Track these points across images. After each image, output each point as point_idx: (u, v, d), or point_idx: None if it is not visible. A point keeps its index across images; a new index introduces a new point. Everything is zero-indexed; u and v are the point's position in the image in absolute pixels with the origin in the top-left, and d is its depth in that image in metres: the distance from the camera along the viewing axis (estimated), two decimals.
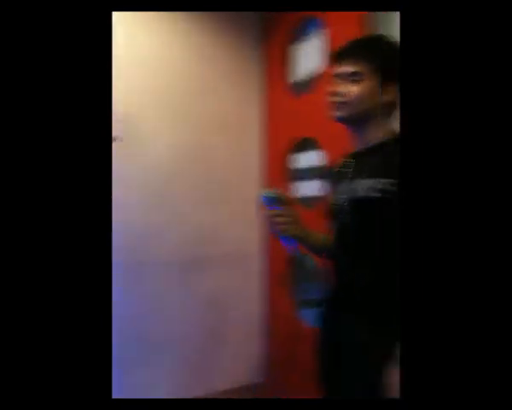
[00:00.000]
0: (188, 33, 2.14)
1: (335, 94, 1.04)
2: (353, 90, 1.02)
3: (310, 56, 2.00)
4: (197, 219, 2.16)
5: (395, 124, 1.08)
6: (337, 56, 1.06)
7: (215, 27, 2.21)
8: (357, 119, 1.05)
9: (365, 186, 0.99)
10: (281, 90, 2.17)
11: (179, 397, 2.05)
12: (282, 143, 2.16)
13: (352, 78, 1.02)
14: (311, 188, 1.95)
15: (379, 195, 0.96)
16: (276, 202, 1.07)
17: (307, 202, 1.94)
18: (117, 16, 1.82)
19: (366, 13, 1.60)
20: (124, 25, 1.92)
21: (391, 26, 1.52)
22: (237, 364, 2.27)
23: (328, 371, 1.09)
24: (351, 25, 1.64)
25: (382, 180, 0.96)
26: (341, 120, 1.06)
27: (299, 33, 2.10)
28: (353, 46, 1.05)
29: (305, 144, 2.05)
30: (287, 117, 2.13)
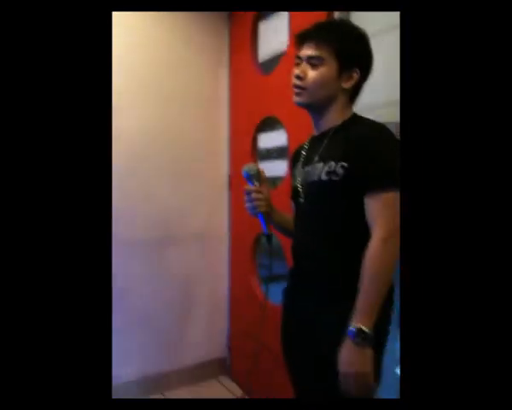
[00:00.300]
0: (156, 13, 2.06)
1: (295, 77, 1.03)
2: (312, 74, 1.01)
3: (277, 35, 1.98)
4: (165, 198, 2.15)
5: (354, 109, 1.09)
6: (299, 39, 1.05)
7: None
8: (315, 105, 1.05)
9: (319, 169, 1.01)
10: (248, 69, 2.15)
11: (149, 374, 2.08)
12: (249, 122, 2.15)
13: (312, 61, 1.01)
14: (274, 168, 1.97)
15: (329, 178, 0.98)
16: (254, 179, 1.10)
17: (271, 181, 1.96)
18: None
19: None
20: None
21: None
22: (205, 339, 2.32)
23: (290, 347, 1.12)
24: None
25: (333, 163, 0.97)
26: (301, 105, 1.06)
27: (265, 12, 2.07)
28: (314, 30, 1.04)
29: (269, 124, 2.06)
30: (253, 96, 2.12)
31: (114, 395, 1.85)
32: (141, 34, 2.04)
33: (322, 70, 1.00)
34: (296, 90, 1.03)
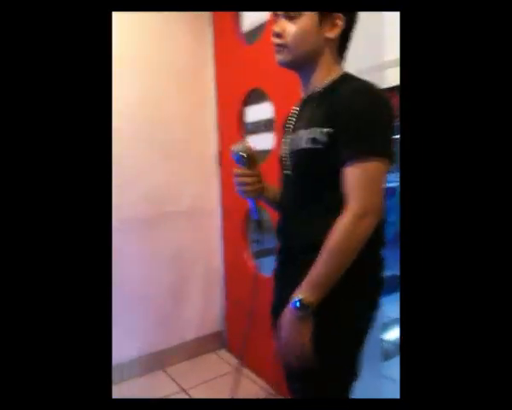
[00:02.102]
0: None
1: (274, 35, 0.94)
2: (291, 28, 0.91)
3: None
4: (155, 176, 2.13)
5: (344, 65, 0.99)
6: None
7: None
8: (300, 62, 0.95)
9: (302, 137, 0.92)
10: (232, 40, 2.10)
11: (149, 352, 2.12)
12: (235, 95, 2.12)
13: (289, 14, 0.91)
14: (262, 141, 1.95)
15: (312, 145, 0.88)
16: (244, 160, 1.01)
17: (260, 156, 1.94)
18: None
19: None
20: None
21: None
22: (201, 314, 2.35)
23: (273, 322, 1.06)
24: None
25: (317, 129, 0.88)
26: (284, 64, 0.96)
27: None
28: None
29: (256, 96, 2.02)
30: (238, 68, 2.08)
31: (117, 375, 1.93)
32: (120, 14, 1.97)
33: (301, 21, 0.90)
34: (277, 49, 0.94)
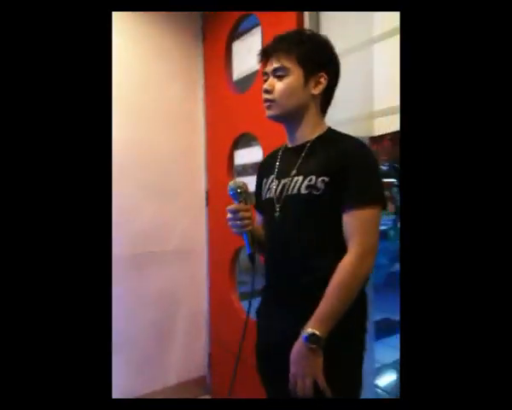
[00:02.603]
0: (132, 30, 2.09)
1: (264, 91, 1.03)
2: (279, 85, 1.00)
3: (250, 54, 2.03)
4: (144, 215, 2.14)
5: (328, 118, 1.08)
6: (262, 56, 1.06)
7: (158, 25, 2.18)
8: (287, 116, 1.04)
9: (299, 183, 0.99)
10: (222, 88, 2.18)
11: (131, 395, 2.03)
12: (225, 139, 2.17)
13: (277, 74, 1.00)
14: (250, 183, 1.98)
15: (310, 192, 0.97)
16: (241, 196, 1.04)
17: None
18: None
19: (303, 12, 1.64)
20: None
21: (331, 24, 1.57)
22: (185, 358, 2.29)
23: (263, 367, 1.10)
24: (287, 23, 1.68)
25: (315, 177, 0.97)
26: (273, 118, 1.05)
27: (239, 31, 2.12)
28: (275, 43, 1.04)
29: (245, 140, 2.08)
30: (229, 114, 2.15)
31: None
32: (115, 54, 2.05)
33: (288, 80, 1.00)
34: (266, 104, 1.03)
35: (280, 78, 1.00)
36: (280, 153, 1.12)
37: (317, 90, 1.02)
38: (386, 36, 1.39)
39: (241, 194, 1.04)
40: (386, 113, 1.39)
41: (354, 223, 0.93)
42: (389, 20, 1.35)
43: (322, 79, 1.02)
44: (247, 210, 1.04)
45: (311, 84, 1.01)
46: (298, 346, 0.92)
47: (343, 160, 0.96)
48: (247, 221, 1.03)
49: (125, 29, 2.08)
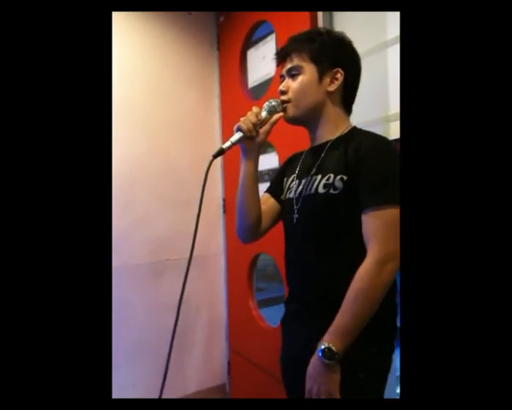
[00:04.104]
0: (148, 41, 2.13)
1: (279, 92, 1.01)
2: (293, 85, 0.99)
3: (264, 61, 2.04)
4: (161, 224, 2.16)
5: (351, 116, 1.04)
6: (278, 59, 1.05)
7: (174, 35, 2.21)
8: (305, 117, 1.01)
9: (317, 182, 0.95)
10: (238, 96, 2.20)
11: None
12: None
13: (292, 73, 0.99)
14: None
15: (327, 190, 0.92)
16: (266, 108, 1.02)
17: None
18: None
19: (317, 13, 1.63)
20: None
21: (345, 29, 1.56)
22: (204, 366, 2.29)
23: (285, 378, 1.05)
24: (301, 29, 1.68)
25: (333, 175, 0.92)
26: (291, 120, 1.02)
27: (253, 40, 2.13)
28: (288, 44, 1.02)
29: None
30: None
31: None
32: (131, 67, 2.09)
33: (302, 78, 0.98)
34: (283, 106, 1.01)
35: (294, 77, 0.99)
36: (304, 154, 1.10)
37: (332, 87, 0.98)
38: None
39: (274, 110, 1.01)
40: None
41: (373, 224, 0.85)
42: None
43: (339, 75, 0.98)
44: (266, 123, 1.02)
45: (327, 80, 0.98)
46: (314, 361, 0.87)
47: (361, 155, 0.89)
48: (248, 121, 0.98)
49: (141, 41, 2.12)
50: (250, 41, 2.14)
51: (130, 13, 2.06)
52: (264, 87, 2.04)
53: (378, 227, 0.85)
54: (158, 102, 2.17)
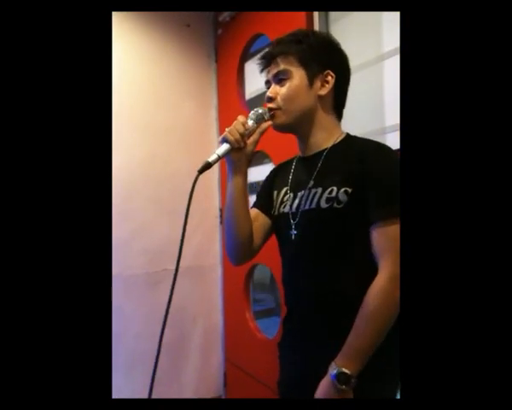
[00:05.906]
0: (146, 50, 2.15)
1: (266, 100, 0.94)
2: (281, 91, 0.91)
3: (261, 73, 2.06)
4: (158, 233, 2.15)
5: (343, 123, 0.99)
6: (262, 64, 0.97)
7: (173, 45, 2.23)
8: (295, 124, 0.94)
9: (315, 196, 0.89)
10: (235, 107, 2.21)
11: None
12: None
13: (279, 78, 0.92)
14: None
15: (331, 205, 0.85)
16: (253, 116, 0.96)
17: None
18: None
19: (313, 26, 1.65)
20: None
21: (340, 40, 1.58)
22: (200, 377, 2.27)
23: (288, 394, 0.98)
24: None
25: (337, 188, 0.86)
26: (280, 127, 0.95)
27: (250, 52, 2.16)
28: (273, 48, 0.95)
29: (257, 158, 2.10)
30: None
31: None
32: (130, 79, 2.10)
33: (291, 83, 0.91)
34: (270, 114, 0.94)
35: (282, 82, 0.92)
36: (294, 164, 1.02)
37: (324, 91, 0.92)
38: (396, 52, 1.40)
39: (261, 118, 0.94)
40: (397, 128, 1.39)
41: (385, 239, 0.80)
42: (399, 36, 1.35)
43: (330, 78, 0.92)
44: (254, 133, 0.94)
45: (317, 84, 0.91)
46: (325, 385, 0.79)
47: (367, 166, 0.84)
48: (233, 132, 0.92)
49: (141, 54, 2.14)
50: (248, 53, 2.16)
51: (130, 25, 2.08)
52: (261, 99, 2.05)
53: (391, 242, 0.79)
54: (157, 113, 2.18)
